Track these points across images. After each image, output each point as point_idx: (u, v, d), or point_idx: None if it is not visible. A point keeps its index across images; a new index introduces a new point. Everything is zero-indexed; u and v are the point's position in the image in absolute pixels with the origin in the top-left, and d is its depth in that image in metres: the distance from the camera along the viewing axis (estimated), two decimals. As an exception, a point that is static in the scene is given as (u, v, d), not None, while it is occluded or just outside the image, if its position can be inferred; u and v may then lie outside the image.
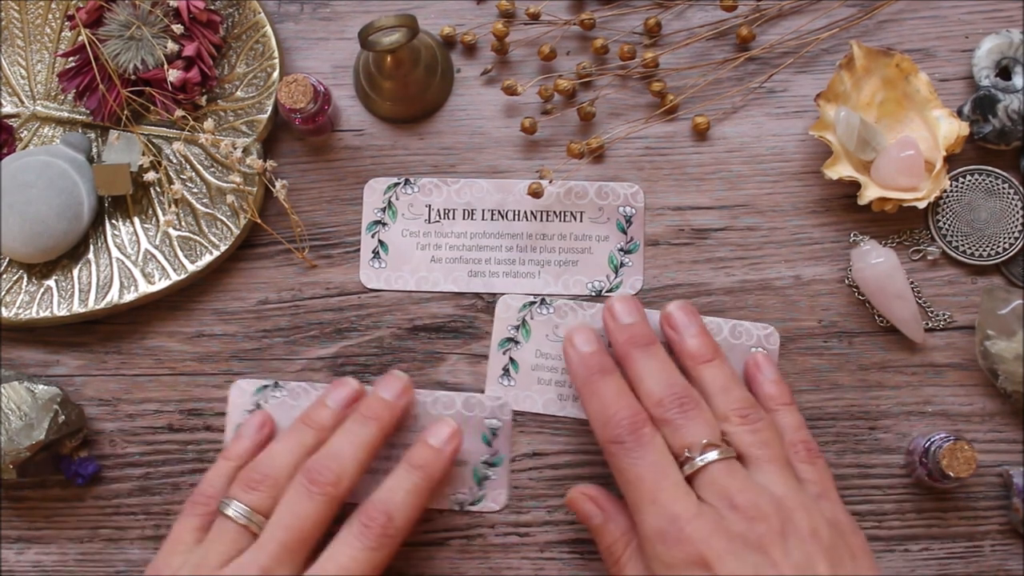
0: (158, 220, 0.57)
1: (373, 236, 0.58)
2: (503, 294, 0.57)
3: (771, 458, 0.49)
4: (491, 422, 0.56)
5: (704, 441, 0.49)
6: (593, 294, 0.57)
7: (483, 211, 0.58)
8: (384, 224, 0.58)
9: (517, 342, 0.57)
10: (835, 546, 0.47)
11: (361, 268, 0.58)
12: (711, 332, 0.55)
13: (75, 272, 0.57)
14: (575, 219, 0.58)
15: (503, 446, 0.56)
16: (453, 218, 0.58)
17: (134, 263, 0.57)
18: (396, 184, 0.58)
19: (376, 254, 0.58)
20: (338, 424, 0.53)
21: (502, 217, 0.58)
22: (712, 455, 0.48)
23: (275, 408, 0.56)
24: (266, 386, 0.57)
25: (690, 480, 0.49)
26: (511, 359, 0.57)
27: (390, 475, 0.52)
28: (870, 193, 0.55)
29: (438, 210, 0.58)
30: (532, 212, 0.58)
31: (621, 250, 0.57)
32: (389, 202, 0.58)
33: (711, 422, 0.50)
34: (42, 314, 0.56)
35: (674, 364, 0.52)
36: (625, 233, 0.58)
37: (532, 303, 0.57)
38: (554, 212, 0.58)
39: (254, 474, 0.51)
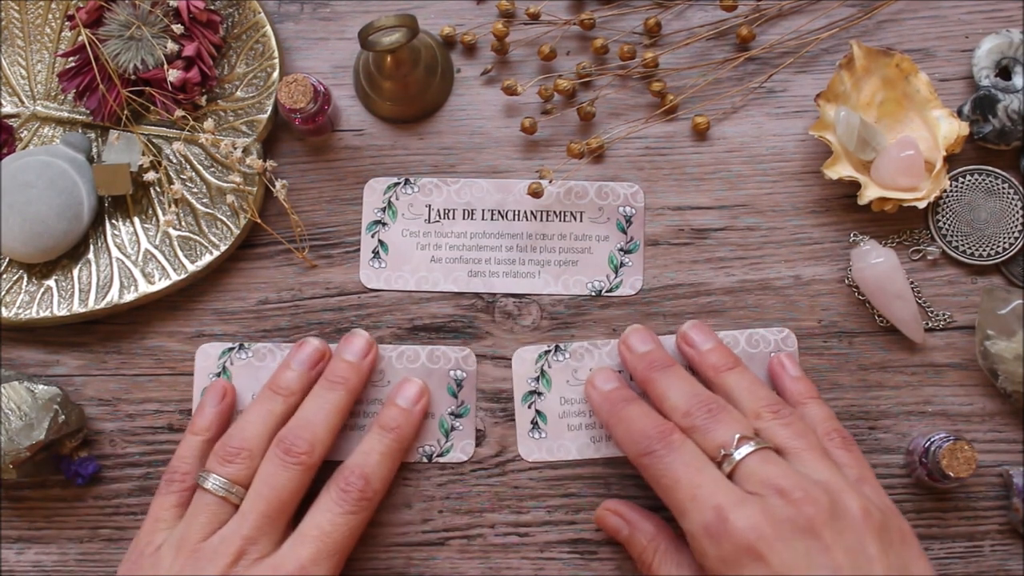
0: (158, 220, 0.57)
1: (373, 236, 0.58)
2: (503, 294, 0.57)
3: (808, 447, 0.49)
4: (456, 373, 0.57)
5: (737, 436, 0.48)
6: (593, 294, 0.57)
7: (483, 211, 0.58)
8: (384, 224, 0.58)
9: (540, 393, 0.57)
10: (885, 528, 0.47)
11: (361, 268, 0.58)
12: (727, 345, 0.55)
13: (75, 272, 0.57)
14: (575, 219, 0.58)
15: (468, 396, 0.57)
16: (453, 218, 0.58)
17: (134, 263, 0.57)
18: (396, 184, 0.58)
19: (376, 254, 0.58)
20: (305, 387, 0.54)
21: (502, 217, 0.58)
22: (748, 447, 0.48)
23: (241, 369, 0.57)
24: (231, 348, 0.57)
25: (730, 477, 0.48)
26: (537, 411, 0.57)
27: (363, 438, 0.54)
28: (870, 193, 0.55)
29: (438, 210, 0.58)
30: (532, 212, 0.58)
31: (621, 250, 0.57)
32: (389, 202, 0.58)
33: (741, 420, 0.50)
34: (42, 314, 0.56)
35: (695, 379, 0.53)
36: (625, 233, 0.58)
37: (547, 352, 0.57)
38: (554, 212, 0.58)
39: (229, 447, 0.52)
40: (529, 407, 0.57)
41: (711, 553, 0.46)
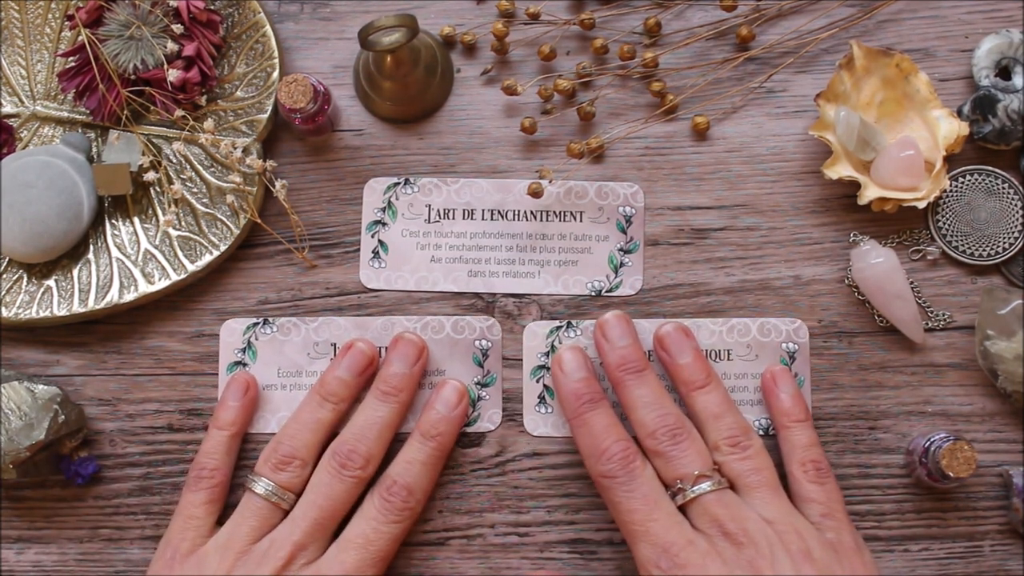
0: (158, 220, 0.57)
1: (373, 236, 0.58)
2: (503, 294, 0.57)
3: (761, 483, 0.51)
4: (481, 343, 0.57)
5: (696, 472, 0.50)
6: (593, 294, 0.57)
7: (483, 211, 0.58)
8: (384, 224, 0.58)
9: (549, 368, 0.57)
10: (830, 565, 0.49)
11: (361, 268, 0.58)
12: (738, 332, 0.55)
13: (75, 272, 0.57)
14: (575, 219, 0.58)
15: (494, 366, 0.57)
16: (453, 218, 0.58)
17: (134, 263, 0.57)
18: (396, 184, 0.58)
19: (376, 254, 0.58)
20: (354, 393, 0.55)
21: (502, 217, 0.58)
22: (705, 486, 0.50)
23: (265, 344, 0.57)
24: (256, 323, 0.57)
25: (683, 509, 0.50)
26: (545, 387, 0.57)
27: (405, 445, 0.54)
28: (870, 193, 0.55)
29: (438, 210, 0.58)
30: (532, 212, 0.58)
31: (621, 250, 0.57)
32: (389, 202, 0.58)
33: (703, 452, 0.51)
34: (42, 314, 0.56)
35: (666, 391, 0.53)
36: (625, 233, 0.58)
37: (559, 327, 0.57)
38: (554, 212, 0.58)
39: (280, 453, 0.53)
40: (537, 381, 0.57)
41: None
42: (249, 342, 0.57)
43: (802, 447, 0.53)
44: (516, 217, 0.58)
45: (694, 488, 0.50)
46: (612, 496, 0.51)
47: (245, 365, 0.57)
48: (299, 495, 0.53)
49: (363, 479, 0.53)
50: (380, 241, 0.58)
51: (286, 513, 0.53)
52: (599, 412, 0.53)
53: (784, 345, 0.57)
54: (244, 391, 0.55)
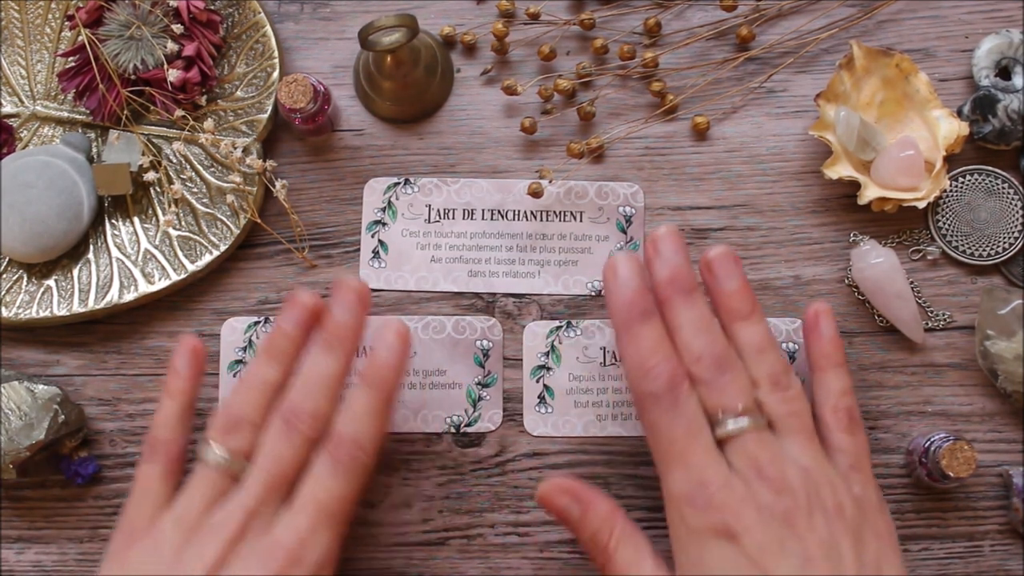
0: (158, 220, 0.57)
1: (373, 236, 0.58)
2: (503, 294, 0.57)
3: (800, 428, 0.49)
4: (482, 343, 0.57)
5: (740, 406, 0.48)
6: (593, 294, 0.57)
7: (483, 211, 0.58)
8: (384, 224, 0.58)
9: (549, 368, 0.57)
10: (860, 524, 0.47)
11: (361, 268, 0.58)
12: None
13: (75, 272, 0.57)
14: (575, 219, 0.58)
15: (495, 366, 0.57)
16: (453, 218, 0.58)
17: (134, 263, 0.57)
18: (396, 184, 0.58)
19: (376, 254, 0.58)
20: (299, 348, 0.52)
21: (502, 217, 0.58)
22: (745, 422, 0.48)
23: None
24: (257, 322, 0.57)
25: (721, 444, 0.48)
26: (545, 386, 0.57)
27: (348, 396, 0.51)
28: (870, 193, 0.55)
29: (438, 210, 0.58)
30: (532, 212, 0.58)
31: (622, 250, 0.57)
32: (389, 202, 0.58)
33: (746, 387, 0.49)
34: (42, 314, 0.56)
35: (714, 317, 0.50)
36: (625, 233, 0.58)
37: (559, 327, 0.57)
38: (554, 212, 0.58)
39: (228, 417, 0.50)
40: (537, 381, 0.57)
41: (688, 521, 0.47)
42: (250, 341, 0.57)
43: (838, 393, 0.51)
44: (516, 217, 0.58)
45: (736, 422, 0.48)
46: (654, 418, 0.48)
47: (246, 364, 0.57)
48: (251, 459, 0.50)
49: (311, 438, 0.50)
50: (380, 241, 0.58)
51: (238, 479, 0.50)
52: (651, 326, 0.50)
53: (784, 345, 0.57)
54: (194, 357, 0.53)
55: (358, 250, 0.58)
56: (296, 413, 0.50)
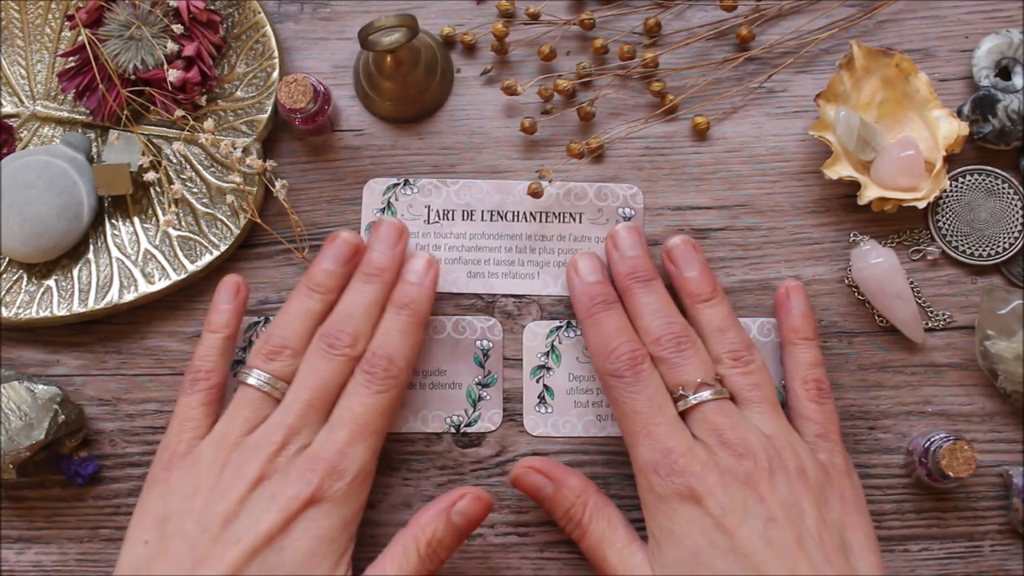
0: (158, 220, 0.57)
1: (372, 237, 0.58)
2: (502, 295, 0.57)
3: (762, 399, 0.51)
4: (482, 343, 0.57)
5: (698, 380, 0.51)
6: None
7: (482, 212, 0.58)
8: (383, 225, 0.58)
9: (549, 368, 0.57)
10: (823, 486, 0.49)
11: (360, 270, 0.58)
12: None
13: (75, 272, 0.57)
14: (574, 220, 0.58)
15: (495, 366, 0.57)
16: (452, 219, 0.58)
17: (134, 263, 0.57)
18: (395, 185, 0.58)
19: (375, 255, 0.58)
20: (341, 284, 0.54)
21: (501, 218, 0.58)
22: (705, 394, 0.50)
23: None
24: (256, 322, 0.57)
25: (684, 416, 0.51)
26: (545, 386, 0.57)
27: (381, 320, 0.53)
28: (870, 193, 0.55)
29: (437, 211, 0.58)
30: (531, 213, 0.58)
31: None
32: (388, 203, 0.58)
33: (706, 362, 0.52)
34: (42, 314, 0.56)
35: (672, 301, 0.53)
36: (625, 234, 0.57)
37: (559, 327, 0.57)
38: (553, 213, 0.58)
39: (271, 344, 0.52)
40: (537, 381, 0.57)
41: (655, 488, 0.49)
42: (250, 340, 0.57)
43: (807, 365, 0.53)
44: (515, 218, 0.58)
45: (696, 395, 0.50)
46: (617, 395, 0.51)
47: (246, 363, 0.57)
48: (291, 384, 0.52)
49: (352, 357, 0.52)
50: (379, 242, 0.58)
51: (279, 402, 0.52)
52: (611, 313, 0.53)
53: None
54: (235, 293, 0.55)
55: (358, 250, 0.58)
56: (337, 334, 0.52)
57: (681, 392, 0.51)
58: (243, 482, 0.49)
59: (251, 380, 0.52)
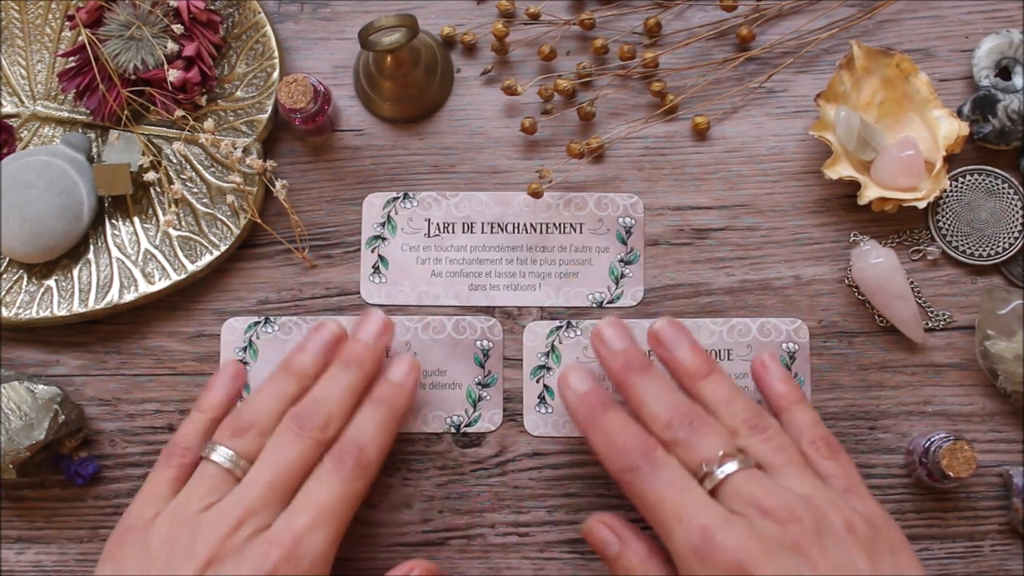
0: (158, 220, 0.57)
1: (373, 251, 0.58)
2: (504, 307, 0.57)
3: (789, 461, 0.49)
4: (483, 343, 0.57)
5: (720, 453, 0.47)
6: (594, 305, 0.57)
7: (483, 224, 0.58)
8: (383, 239, 0.58)
9: (549, 368, 0.57)
10: (873, 540, 0.46)
11: (362, 283, 0.57)
12: (738, 332, 0.55)
13: (75, 272, 0.57)
14: (575, 231, 0.58)
15: (495, 366, 0.57)
16: (453, 231, 0.58)
17: (134, 263, 0.57)
18: (395, 199, 0.58)
19: (376, 269, 0.58)
20: (320, 371, 0.53)
21: (502, 230, 0.58)
22: (731, 466, 0.47)
23: (267, 344, 0.57)
24: (257, 322, 0.57)
25: (712, 494, 0.47)
26: (545, 386, 0.57)
27: (356, 413, 0.52)
28: (870, 193, 0.55)
29: (437, 224, 0.58)
30: (531, 224, 0.58)
31: (621, 261, 0.57)
32: (388, 216, 0.58)
33: (722, 434, 0.49)
34: (42, 314, 0.56)
35: (673, 384, 0.51)
36: (625, 244, 0.57)
37: (559, 327, 0.57)
38: (553, 224, 0.58)
39: (239, 421, 0.50)
40: (537, 381, 0.57)
41: (699, 573, 0.45)
42: (250, 341, 0.57)
43: (807, 426, 0.51)
44: (516, 230, 0.58)
45: (721, 468, 0.47)
46: (636, 489, 0.48)
47: (246, 364, 0.57)
48: (254, 463, 0.50)
49: (321, 441, 0.50)
50: (380, 256, 0.58)
51: (240, 481, 0.50)
52: (612, 414, 0.50)
53: (784, 345, 0.57)
54: (233, 379, 0.54)
55: (358, 250, 0.58)
56: (308, 416, 0.50)
57: (705, 469, 0.47)
58: (193, 562, 0.47)
59: (214, 456, 0.50)
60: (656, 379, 0.51)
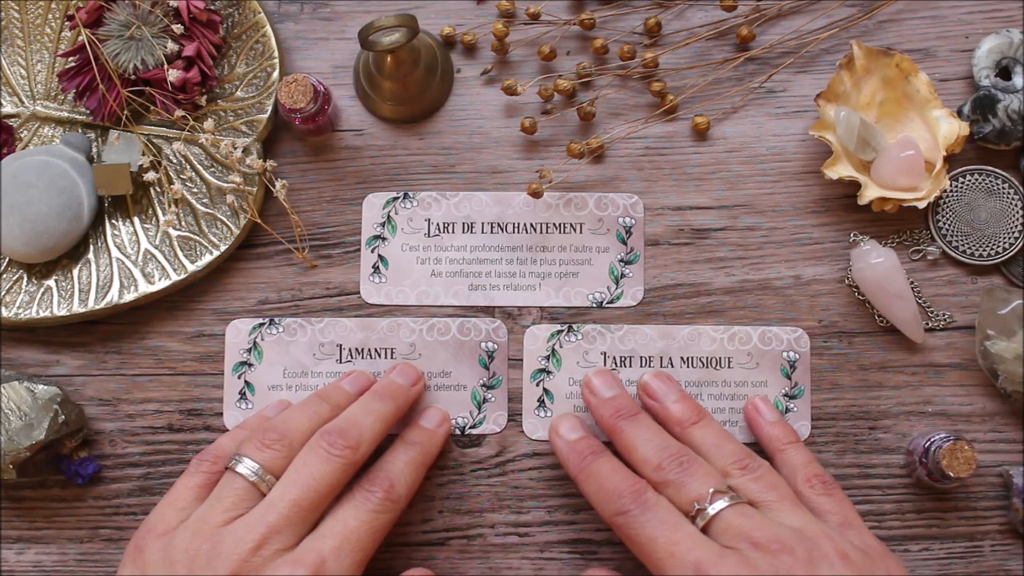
0: (158, 220, 0.57)
1: (373, 251, 0.58)
2: (504, 307, 0.57)
3: (781, 498, 0.49)
4: (487, 345, 0.57)
5: (711, 490, 0.48)
6: (595, 306, 0.57)
7: (483, 224, 0.58)
8: (383, 239, 0.58)
9: (549, 372, 0.57)
10: (868, 567, 0.47)
11: (362, 283, 0.57)
12: (739, 340, 0.56)
13: (75, 272, 0.57)
14: (575, 231, 0.58)
15: (500, 368, 0.57)
16: (453, 231, 0.58)
17: (134, 263, 0.57)
18: (395, 199, 0.58)
19: (376, 269, 0.58)
20: (353, 402, 0.53)
21: (502, 230, 0.58)
22: (722, 502, 0.48)
23: (272, 345, 0.57)
24: (261, 323, 0.57)
25: (704, 531, 0.47)
26: (545, 390, 0.57)
27: (387, 451, 0.53)
28: (870, 193, 0.55)
29: (437, 224, 0.58)
30: (532, 224, 0.58)
31: (621, 261, 0.57)
32: (388, 216, 0.58)
33: (712, 473, 0.49)
34: (42, 314, 0.56)
35: (663, 429, 0.52)
36: (625, 244, 0.57)
37: (560, 331, 0.57)
38: (553, 224, 0.58)
39: (269, 432, 0.50)
40: (537, 385, 0.57)
41: None
42: (255, 342, 0.57)
43: (802, 464, 0.52)
44: (516, 230, 0.58)
45: (712, 505, 0.48)
46: (629, 532, 0.48)
47: (251, 365, 0.57)
48: (280, 479, 0.50)
49: (352, 462, 0.50)
50: (380, 256, 0.58)
51: (265, 496, 0.49)
52: (602, 460, 0.51)
53: (785, 354, 0.57)
54: (282, 409, 0.55)
55: (358, 250, 0.58)
56: (341, 433, 0.50)
57: (697, 507, 0.48)
58: None
59: (239, 468, 0.49)
60: (646, 424, 0.52)
